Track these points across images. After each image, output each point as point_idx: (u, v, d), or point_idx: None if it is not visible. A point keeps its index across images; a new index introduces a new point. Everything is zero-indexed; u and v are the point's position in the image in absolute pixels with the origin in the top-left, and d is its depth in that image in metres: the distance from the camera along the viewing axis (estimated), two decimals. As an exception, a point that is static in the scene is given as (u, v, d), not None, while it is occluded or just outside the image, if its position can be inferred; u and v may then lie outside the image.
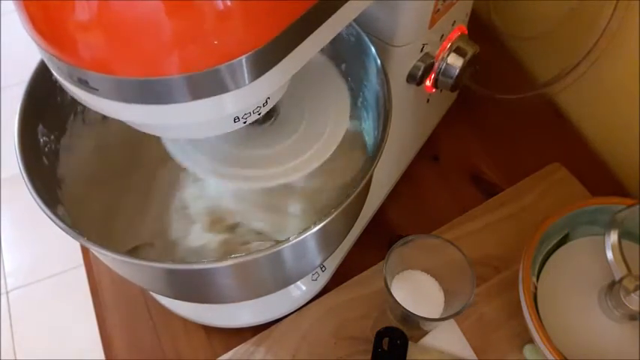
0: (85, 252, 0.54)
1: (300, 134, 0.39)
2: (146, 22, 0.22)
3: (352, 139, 0.43)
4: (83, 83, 0.24)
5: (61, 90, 0.38)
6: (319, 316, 0.48)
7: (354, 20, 0.30)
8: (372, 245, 0.52)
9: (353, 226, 0.43)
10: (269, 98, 0.29)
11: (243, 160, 0.37)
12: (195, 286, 0.37)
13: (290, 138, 0.38)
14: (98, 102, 0.25)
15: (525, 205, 0.54)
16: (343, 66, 0.43)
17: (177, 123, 0.27)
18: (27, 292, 1.19)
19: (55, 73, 0.26)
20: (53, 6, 0.22)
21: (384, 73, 0.37)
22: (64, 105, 0.39)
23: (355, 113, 0.45)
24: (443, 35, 0.43)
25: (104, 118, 0.43)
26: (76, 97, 0.26)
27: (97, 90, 0.24)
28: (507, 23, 0.61)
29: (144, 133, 0.30)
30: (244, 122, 0.29)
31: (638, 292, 0.40)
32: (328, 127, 0.39)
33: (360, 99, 0.43)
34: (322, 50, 0.41)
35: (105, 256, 0.34)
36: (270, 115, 0.39)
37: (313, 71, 0.40)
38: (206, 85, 0.24)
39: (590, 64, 0.50)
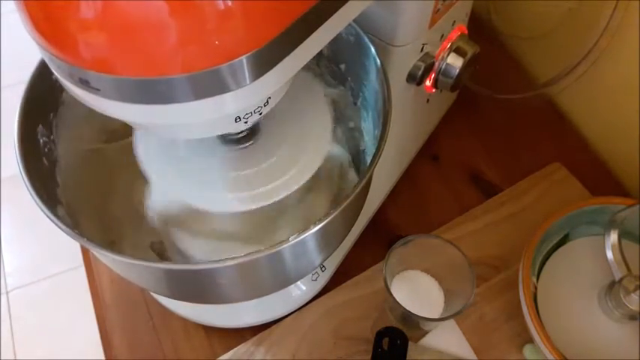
0: (85, 252, 0.54)
1: (279, 158, 0.38)
2: (148, 22, 0.22)
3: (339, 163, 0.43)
4: (84, 83, 0.24)
5: (62, 90, 0.38)
6: (319, 316, 0.48)
7: (354, 20, 0.30)
8: (372, 245, 0.52)
9: (353, 226, 0.42)
10: (270, 98, 0.29)
11: (229, 182, 0.37)
12: (195, 287, 0.37)
13: (267, 162, 0.38)
14: (99, 102, 0.25)
15: (525, 205, 0.54)
16: (343, 66, 0.43)
17: (178, 123, 0.27)
18: (27, 292, 1.19)
19: (55, 73, 0.26)
20: (54, 6, 0.22)
21: (383, 73, 0.37)
22: (64, 105, 0.39)
23: (353, 115, 0.45)
24: (443, 35, 0.43)
25: (105, 118, 0.43)
26: (77, 97, 0.26)
27: (99, 90, 0.24)
28: (507, 23, 0.61)
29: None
30: (245, 122, 0.29)
31: (638, 292, 0.40)
32: (307, 151, 0.38)
33: (360, 99, 0.43)
34: (309, 68, 0.41)
35: (105, 257, 0.34)
36: (250, 136, 0.38)
37: (297, 91, 0.40)
38: (207, 84, 0.24)
39: (590, 64, 0.50)
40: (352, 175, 0.46)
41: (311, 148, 0.39)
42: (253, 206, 0.36)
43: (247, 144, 0.38)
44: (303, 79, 0.42)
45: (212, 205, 0.37)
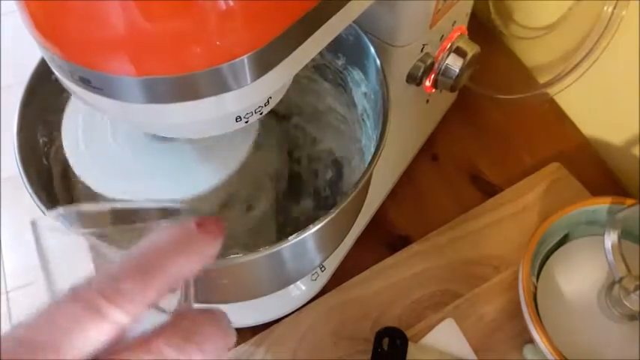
0: (85, 252, 0.54)
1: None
2: (149, 22, 0.22)
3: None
4: (85, 82, 0.24)
5: (62, 90, 0.38)
6: (319, 316, 0.48)
7: (354, 20, 0.30)
8: (372, 245, 0.52)
9: (352, 225, 0.43)
10: (271, 98, 0.29)
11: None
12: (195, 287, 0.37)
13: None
14: (100, 101, 0.25)
15: (525, 205, 0.54)
16: (341, 65, 0.43)
17: (179, 122, 0.27)
18: (27, 292, 1.19)
19: (56, 73, 0.26)
20: (55, 5, 0.22)
21: (382, 73, 0.37)
22: (63, 104, 0.39)
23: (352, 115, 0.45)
24: (443, 35, 0.43)
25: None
26: (78, 96, 0.26)
27: (100, 89, 0.24)
28: (507, 23, 0.61)
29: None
30: (246, 122, 0.29)
31: (638, 292, 0.40)
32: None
33: (359, 99, 0.43)
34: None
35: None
36: None
37: None
38: (208, 84, 0.24)
39: (590, 64, 0.50)
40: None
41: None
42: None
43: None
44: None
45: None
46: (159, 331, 0.19)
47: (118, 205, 0.24)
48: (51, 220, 0.22)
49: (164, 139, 0.34)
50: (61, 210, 0.22)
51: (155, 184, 0.34)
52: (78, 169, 0.35)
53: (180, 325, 0.19)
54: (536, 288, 0.45)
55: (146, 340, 0.18)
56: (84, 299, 0.17)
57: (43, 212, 0.32)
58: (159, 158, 0.35)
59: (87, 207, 0.23)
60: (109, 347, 0.18)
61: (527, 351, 0.45)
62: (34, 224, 0.22)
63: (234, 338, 0.20)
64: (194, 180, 0.34)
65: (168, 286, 0.19)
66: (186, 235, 0.20)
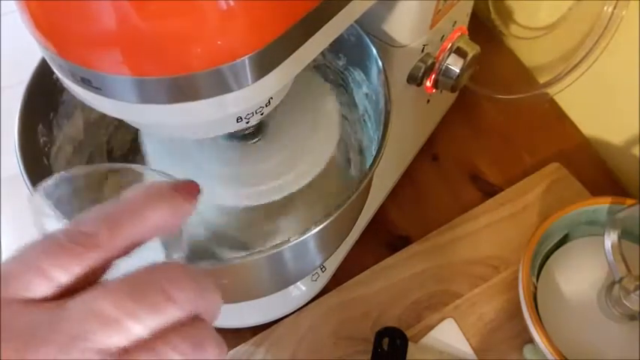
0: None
1: (288, 152, 0.38)
2: (150, 22, 0.22)
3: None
4: (86, 82, 0.24)
5: (62, 90, 0.38)
6: (319, 316, 0.48)
7: (356, 21, 0.30)
8: (372, 245, 0.52)
9: (353, 226, 0.43)
10: (272, 98, 0.29)
11: (240, 177, 0.37)
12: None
13: (272, 159, 0.38)
14: (101, 101, 0.25)
15: (525, 205, 0.54)
16: (343, 66, 0.43)
17: (180, 123, 0.27)
18: (26, 291, 1.18)
19: (57, 73, 0.26)
20: (54, 4, 0.22)
21: (384, 73, 0.37)
22: (64, 105, 0.39)
23: (353, 115, 0.45)
24: (443, 36, 0.43)
25: (104, 117, 0.43)
26: (78, 96, 0.26)
27: (100, 89, 0.24)
28: (507, 23, 0.61)
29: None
30: (247, 122, 0.29)
31: (638, 292, 0.40)
32: (314, 151, 0.39)
33: (360, 99, 0.43)
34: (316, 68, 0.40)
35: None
36: (256, 133, 0.38)
37: (304, 89, 0.40)
38: (209, 85, 0.24)
39: (590, 64, 0.50)
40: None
41: (317, 148, 0.39)
42: (262, 201, 0.36)
43: (254, 140, 0.38)
44: (308, 77, 0.42)
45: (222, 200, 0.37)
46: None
47: (117, 166, 0.25)
48: (45, 206, 0.23)
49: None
50: (57, 175, 0.23)
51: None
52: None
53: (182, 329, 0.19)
54: (536, 288, 0.45)
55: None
56: (52, 239, 0.19)
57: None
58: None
59: (84, 169, 0.24)
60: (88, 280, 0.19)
61: (527, 351, 0.45)
62: (31, 201, 0.23)
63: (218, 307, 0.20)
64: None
65: (139, 235, 0.20)
66: (158, 190, 0.21)
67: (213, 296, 0.20)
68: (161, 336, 0.18)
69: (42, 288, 0.18)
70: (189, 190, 0.22)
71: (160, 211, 0.20)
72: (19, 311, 0.17)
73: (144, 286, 0.18)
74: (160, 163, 0.38)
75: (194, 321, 0.19)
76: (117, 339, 0.17)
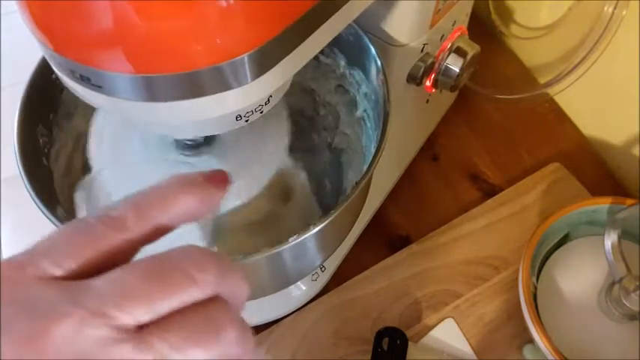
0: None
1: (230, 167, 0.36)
2: (150, 21, 0.22)
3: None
4: (86, 80, 0.24)
5: (62, 90, 0.38)
6: (319, 316, 0.48)
7: (355, 20, 0.30)
8: (372, 245, 0.52)
9: (353, 226, 0.42)
10: (271, 96, 0.29)
11: None
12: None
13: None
14: (101, 99, 0.25)
15: (525, 205, 0.54)
16: (343, 65, 0.43)
17: (179, 121, 0.27)
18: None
19: (56, 71, 0.26)
20: (54, 3, 0.22)
21: (383, 73, 0.37)
22: (64, 105, 0.39)
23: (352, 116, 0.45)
24: (443, 35, 0.43)
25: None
26: (78, 94, 0.26)
27: (100, 87, 0.24)
28: (507, 23, 0.61)
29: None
30: (246, 120, 0.29)
31: (638, 292, 0.40)
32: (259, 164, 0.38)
33: (360, 99, 0.43)
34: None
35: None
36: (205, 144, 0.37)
37: None
38: (208, 82, 0.24)
39: (590, 64, 0.49)
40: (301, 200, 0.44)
41: (264, 161, 0.38)
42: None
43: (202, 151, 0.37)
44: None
45: None
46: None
47: None
48: None
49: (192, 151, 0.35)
50: None
51: None
52: (96, 164, 0.35)
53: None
54: (536, 288, 0.45)
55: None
56: (82, 221, 0.20)
57: (43, 212, 0.32)
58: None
59: None
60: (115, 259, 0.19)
61: (527, 351, 0.45)
62: None
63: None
64: None
65: (167, 220, 0.20)
66: (189, 178, 0.21)
67: (238, 281, 0.20)
68: (176, 314, 0.18)
69: (69, 265, 0.18)
70: (220, 179, 0.22)
71: (190, 197, 0.21)
72: (45, 286, 0.18)
73: (165, 266, 0.18)
74: (117, 185, 0.37)
75: (213, 302, 0.19)
76: (134, 316, 0.17)
